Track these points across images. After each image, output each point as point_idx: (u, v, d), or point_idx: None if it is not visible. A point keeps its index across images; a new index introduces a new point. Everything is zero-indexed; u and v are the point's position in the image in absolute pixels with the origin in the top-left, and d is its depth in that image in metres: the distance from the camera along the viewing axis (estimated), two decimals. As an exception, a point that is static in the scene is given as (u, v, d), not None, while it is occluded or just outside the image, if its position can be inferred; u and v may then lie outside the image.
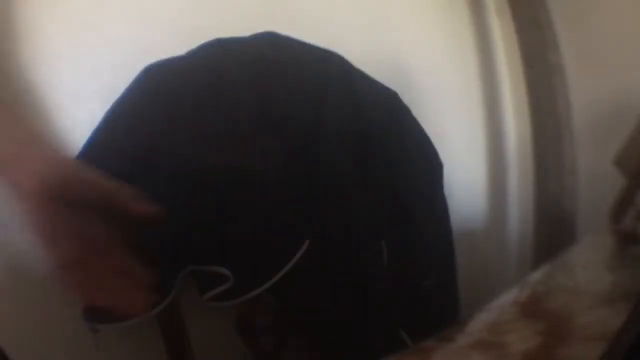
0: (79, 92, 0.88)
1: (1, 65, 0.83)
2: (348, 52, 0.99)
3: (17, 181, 0.49)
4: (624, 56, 1.06)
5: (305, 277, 0.79)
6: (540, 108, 1.17)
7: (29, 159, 0.50)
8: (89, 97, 0.88)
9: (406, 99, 1.01)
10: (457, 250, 1.21)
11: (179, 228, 0.72)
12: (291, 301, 0.84)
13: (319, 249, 0.79)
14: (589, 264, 0.80)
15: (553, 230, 1.15)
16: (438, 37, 1.19)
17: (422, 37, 1.17)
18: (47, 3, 0.86)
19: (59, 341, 0.87)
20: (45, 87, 0.86)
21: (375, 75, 1.00)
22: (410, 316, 0.84)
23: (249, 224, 0.77)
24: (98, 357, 0.89)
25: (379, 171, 0.86)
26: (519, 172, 1.25)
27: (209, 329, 0.93)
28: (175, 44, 0.92)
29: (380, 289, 0.82)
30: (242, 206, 0.77)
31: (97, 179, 0.52)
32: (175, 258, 0.77)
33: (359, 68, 0.98)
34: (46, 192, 0.48)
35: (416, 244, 0.88)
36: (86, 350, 0.88)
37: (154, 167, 0.75)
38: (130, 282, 0.51)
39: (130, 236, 0.53)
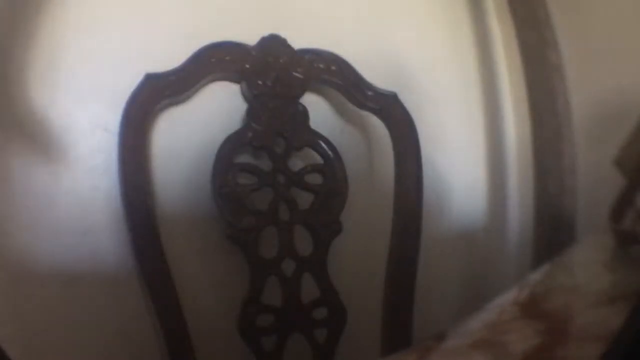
0: (79, 92, 0.88)
1: (0, 66, 0.83)
2: (348, 52, 0.99)
3: None
4: (624, 56, 1.06)
5: None
6: (540, 107, 1.17)
7: None
8: (89, 97, 0.89)
9: (406, 98, 1.02)
10: (457, 250, 1.21)
11: None
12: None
13: None
14: (588, 263, 0.80)
15: (553, 230, 1.15)
16: (437, 37, 1.19)
17: (421, 37, 1.17)
18: (48, 3, 0.86)
19: (60, 341, 0.87)
20: (45, 86, 0.86)
21: (375, 75, 1.01)
22: None
23: None
24: (98, 357, 0.89)
25: None
26: (518, 172, 1.25)
27: (209, 329, 0.93)
28: (175, 44, 0.92)
29: None
30: None
31: None
32: None
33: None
34: None
35: None
36: (86, 350, 0.88)
37: None
38: None
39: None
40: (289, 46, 0.96)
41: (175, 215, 0.92)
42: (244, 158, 0.96)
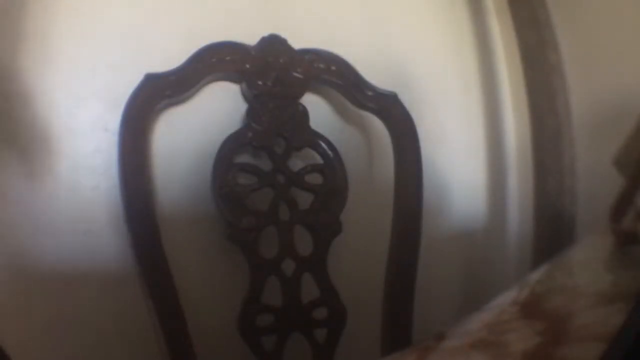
0: (79, 92, 0.88)
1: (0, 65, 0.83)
2: (348, 52, 0.99)
3: None
4: (624, 56, 1.06)
5: None
6: (540, 108, 1.17)
7: None
8: (89, 97, 0.89)
9: (406, 99, 1.02)
10: (457, 250, 1.21)
11: None
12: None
13: None
14: (588, 263, 0.80)
15: (552, 230, 1.15)
16: (437, 37, 1.19)
17: (421, 37, 1.17)
18: (46, 3, 0.86)
19: (60, 341, 0.87)
20: (45, 87, 0.86)
21: (375, 75, 1.01)
22: None
23: None
24: (98, 357, 0.89)
25: None
26: (518, 172, 1.25)
27: (209, 329, 0.93)
28: (175, 44, 0.92)
29: None
30: None
31: None
32: None
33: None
34: None
35: None
36: (87, 350, 0.88)
37: None
38: None
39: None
40: (289, 46, 0.96)
41: (175, 215, 0.92)
42: (244, 158, 0.96)
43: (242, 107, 0.95)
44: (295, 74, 0.96)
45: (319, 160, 0.98)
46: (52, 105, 0.86)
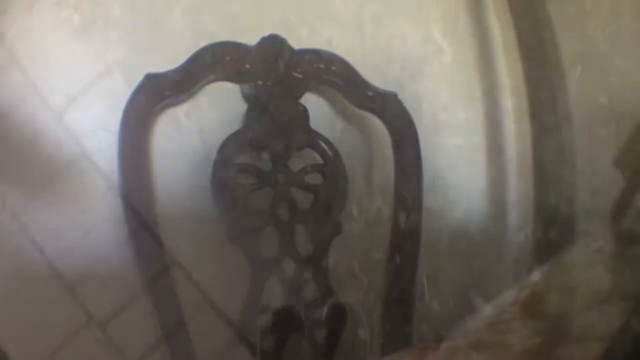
0: (79, 92, 0.88)
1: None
2: (348, 52, 0.99)
3: None
4: (624, 56, 1.06)
5: None
6: (540, 107, 1.17)
7: None
8: (89, 97, 0.89)
9: (406, 99, 1.02)
10: (457, 250, 1.21)
11: None
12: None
13: None
14: (588, 264, 0.80)
15: (552, 230, 1.15)
16: (437, 37, 1.19)
17: (421, 37, 1.17)
18: (46, 3, 0.86)
19: (60, 341, 0.87)
20: (45, 86, 0.86)
21: (375, 75, 1.01)
22: None
23: None
24: (98, 357, 0.89)
25: None
26: (518, 172, 1.25)
27: (209, 329, 0.93)
28: (176, 44, 0.92)
29: None
30: None
31: None
32: None
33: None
34: None
35: None
36: (86, 350, 0.88)
37: None
38: None
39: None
40: (289, 46, 0.96)
41: (175, 215, 0.92)
42: (244, 158, 0.95)
43: (242, 107, 0.95)
44: (295, 74, 0.96)
45: (319, 160, 0.98)
46: (52, 106, 0.86)
